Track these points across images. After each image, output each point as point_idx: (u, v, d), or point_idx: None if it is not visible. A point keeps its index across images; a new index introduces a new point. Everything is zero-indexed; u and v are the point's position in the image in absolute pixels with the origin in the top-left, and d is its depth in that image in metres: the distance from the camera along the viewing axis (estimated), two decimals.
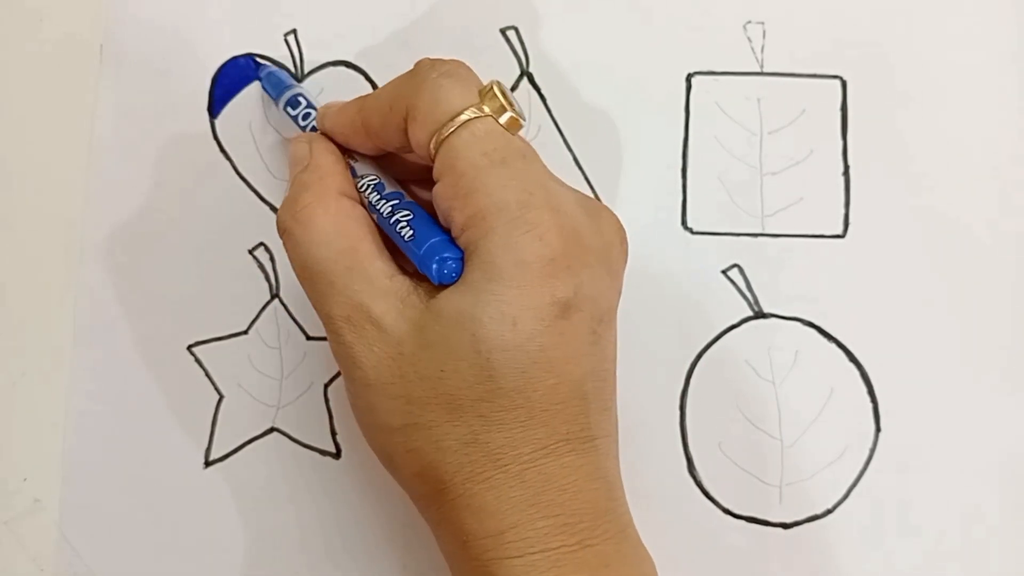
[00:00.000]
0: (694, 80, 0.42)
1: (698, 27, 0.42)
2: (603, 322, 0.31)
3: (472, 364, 0.29)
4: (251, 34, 0.42)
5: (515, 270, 0.29)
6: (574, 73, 0.42)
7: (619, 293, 0.33)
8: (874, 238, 0.40)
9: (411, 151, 0.33)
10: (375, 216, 0.34)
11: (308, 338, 0.41)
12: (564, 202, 0.31)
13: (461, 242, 0.31)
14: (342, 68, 0.42)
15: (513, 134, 0.32)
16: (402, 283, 0.32)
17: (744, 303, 0.40)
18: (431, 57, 0.33)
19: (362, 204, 0.34)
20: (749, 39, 0.42)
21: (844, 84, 0.41)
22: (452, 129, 0.31)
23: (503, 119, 0.32)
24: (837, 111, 0.41)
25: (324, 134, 0.36)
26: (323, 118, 0.36)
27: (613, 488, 0.32)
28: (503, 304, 0.29)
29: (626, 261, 0.34)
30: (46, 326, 0.41)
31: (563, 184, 0.33)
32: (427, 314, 0.30)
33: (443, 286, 0.31)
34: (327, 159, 0.35)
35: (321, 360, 0.41)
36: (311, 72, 0.42)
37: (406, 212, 0.33)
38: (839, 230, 0.41)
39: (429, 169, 0.32)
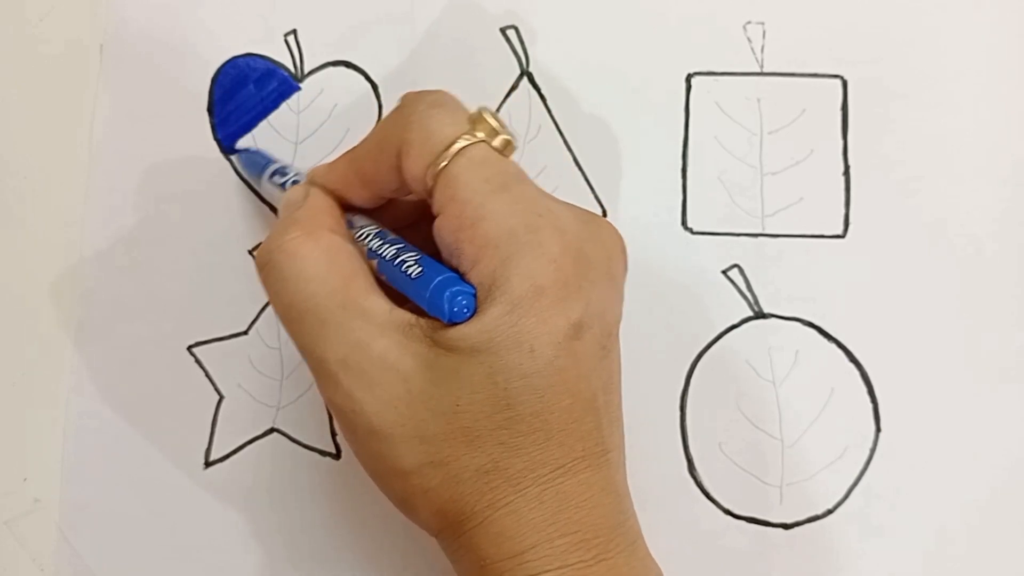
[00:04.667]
0: (694, 80, 0.42)
1: (698, 27, 0.42)
2: (611, 336, 0.31)
3: (489, 395, 0.29)
4: (251, 34, 0.42)
5: (532, 298, 0.29)
6: (574, 73, 0.42)
7: (622, 304, 0.33)
8: (874, 238, 0.40)
9: (407, 192, 0.33)
10: (375, 262, 0.32)
11: None
12: (567, 221, 0.31)
13: (473, 275, 0.30)
14: (342, 68, 0.42)
15: (508, 157, 0.31)
16: (402, 316, 0.30)
17: (744, 303, 0.40)
18: (414, 90, 0.33)
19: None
20: (749, 39, 0.42)
21: (844, 84, 0.41)
22: (448, 159, 0.30)
23: (496, 142, 0.31)
24: (837, 111, 0.41)
25: None
26: (313, 178, 0.35)
27: (624, 500, 0.32)
28: (520, 333, 0.29)
29: (626, 271, 0.33)
30: (46, 326, 0.41)
31: (559, 201, 0.32)
32: (435, 348, 0.30)
33: (453, 323, 0.29)
34: (322, 201, 0.34)
35: None
36: (311, 72, 0.42)
37: (413, 253, 0.31)
38: (839, 230, 0.41)
39: (424, 211, 0.31)
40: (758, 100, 0.41)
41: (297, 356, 0.40)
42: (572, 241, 0.30)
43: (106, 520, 0.40)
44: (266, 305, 0.41)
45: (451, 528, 0.31)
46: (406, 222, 0.35)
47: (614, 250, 0.32)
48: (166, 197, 0.41)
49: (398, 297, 0.31)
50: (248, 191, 0.41)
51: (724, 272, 0.40)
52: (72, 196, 0.41)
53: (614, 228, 0.33)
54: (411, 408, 0.30)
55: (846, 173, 0.41)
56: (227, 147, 0.42)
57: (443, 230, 0.31)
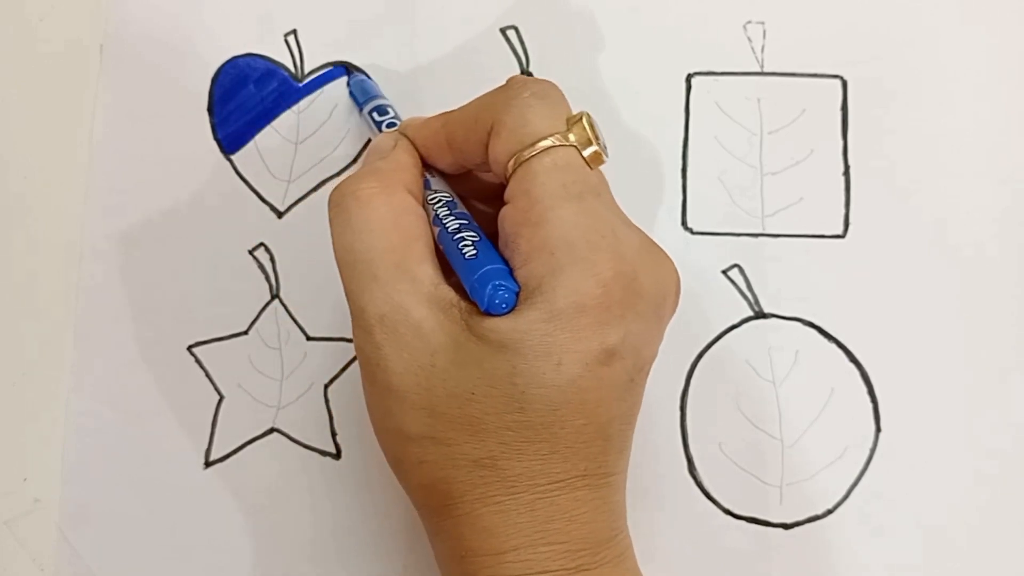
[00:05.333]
0: (694, 80, 0.42)
1: (698, 27, 0.42)
2: (642, 371, 0.31)
3: (504, 393, 0.29)
4: (251, 34, 0.42)
5: (572, 314, 0.29)
6: (574, 73, 0.42)
7: (661, 342, 0.32)
8: (874, 238, 0.40)
9: (488, 170, 0.33)
10: (438, 229, 0.32)
11: (308, 338, 0.41)
12: (629, 247, 0.31)
13: (522, 273, 0.30)
14: (342, 68, 0.42)
15: (594, 169, 0.31)
16: (446, 293, 0.31)
17: (744, 303, 0.40)
18: (523, 76, 0.33)
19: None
20: (749, 39, 0.42)
21: (844, 84, 0.41)
22: (534, 153, 0.30)
23: (587, 152, 0.31)
24: (837, 111, 0.41)
25: None
26: (405, 129, 0.35)
27: (618, 518, 0.32)
28: (552, 344, 0.29)
29: (675, 310, 0.33)
30: (46, 326, 0.41)
31: (630, 225, 0.32)
32: (467, 333, 0.30)
33: (489, 314, 0.30)
34: (406, 157, 0.34)
35: (321, 360, 0.41)
36: (311, 72, 0.42)
37: (473, 234, 0.32)
38: (839, 230, 0.41)
39: (499, 194, 0.32)
40: (758, 100, 0.41)
41: (297, 356, 0.41)
42: (627, 269, 0.30)
43: (106, 520, 0.40)
44: (266, 305, 0.41)
45: (437, 508, 0.31)
46: (481, 196, 0.35)
47: (669, 288, 0.32)
48: (166, 197, 0.41)
49: (449, 267, 0.32)
50: (248, 191, 0.41)
51: (724, 272, 0.40)
52: (72, 196, 0.41)
53: (674, 267, 0.32)
54: (430, 381, 0.30)
55: (846, 173, 0.41)
56: (228, 149, 0.42)
57: (507, 220, 0.31)
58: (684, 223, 0.41)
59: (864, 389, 0.39)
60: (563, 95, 0.32)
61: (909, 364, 0.39)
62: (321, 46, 0.42)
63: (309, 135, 0.42)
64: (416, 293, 0.30)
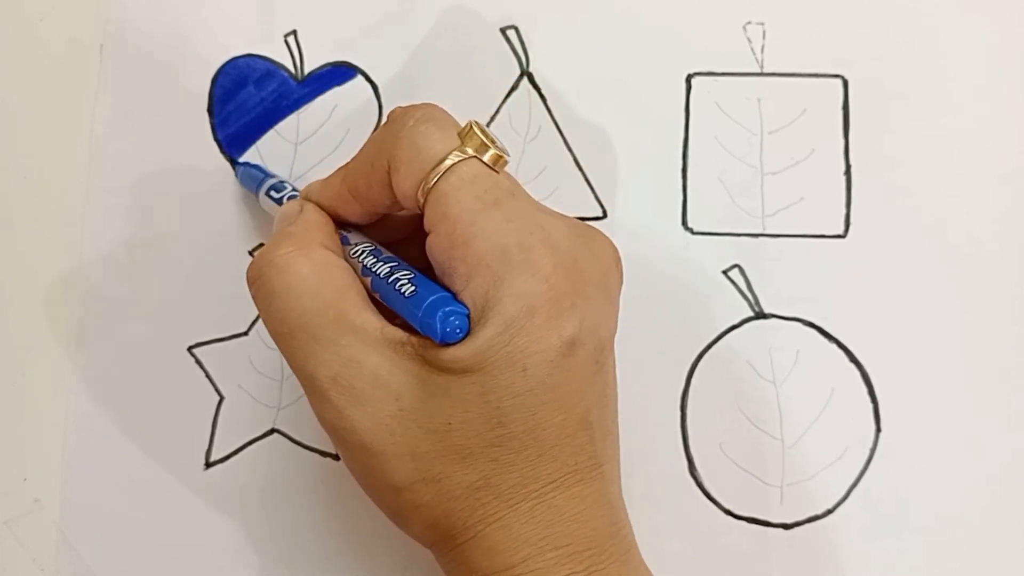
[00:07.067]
0: (694, 80, 0.42)
1: (698, 27, 0.42)
2: (604, 350, 0.31)
3: (481, 414, 0.29)
4: (251, 34, 0.42)
5: (525, 318, 0.29)
6: (574, 73, 0.42)
7: (617, 316, 0.32)
8: (875, 238, 0.40)
9: (401, 209, 0.32)
10: (370, 279, 0.32)
11: None
12: (560, 236, 0.30)
13: (467, 295, 0.30)
14: (342, 68, 0.42)
15: (499, 172, 0.31)
16: (394, 333, 0.30)
17: (745, 303, 0.40)
18: (402, 105, 0.32)
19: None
20: (749, 39, 0.42)
21: (845, 83, 0.41)
22: (439, 176, 0.30)
23: (487, 157, 0.31)
24: (839, 110, 0.41)
25: None
26: (308, 194, 0.35)
27: (618, 512, 0.32)
28: (513, 353, 0.29)
29: (622, 282, 0.33)
30: (46, 326, 0.41)
31: (552, 213, 0.32)
32: (427, 367, 0.29)
33: (446, 344, 0.29)
34: (316, 216, 0.33)
35: None
36: (311, 72, 0.42)
37: (407, 272, 0.31)
38: (840, 230, 0.41)
39: (419, 224, 0.31)
40: (758, 100, 0.41)
41: None
42: (565, 257, 0.30)
43: (106, 520, 0.40)
44: None
45: (443, 541, 0.31)
46: (402, 235, 0.35)
47: (609, 263, 0.32)
48: (166, 197, 0.41)
49: (391, 316, 0.31)
50: (248, 192, 0.41)
51: (724, 272, 0.40)
52: (72, 196, 0.41)
53: (609, 240, 0.32)
54: (402, 426, 0.29)
55: (847, 173, 0.41)
56: (227, 150, 0.42)
57: (435, 248, 0.30)
58: (684, 223, 0.41)
59: (864, 389, 0.39)
60: (447, 112, 0.32)
61: (909, 364, 0.39)
62: (321, 46, 0.42)
63: (309, 135, 0.42)
64: (362, 343, 0.30)
